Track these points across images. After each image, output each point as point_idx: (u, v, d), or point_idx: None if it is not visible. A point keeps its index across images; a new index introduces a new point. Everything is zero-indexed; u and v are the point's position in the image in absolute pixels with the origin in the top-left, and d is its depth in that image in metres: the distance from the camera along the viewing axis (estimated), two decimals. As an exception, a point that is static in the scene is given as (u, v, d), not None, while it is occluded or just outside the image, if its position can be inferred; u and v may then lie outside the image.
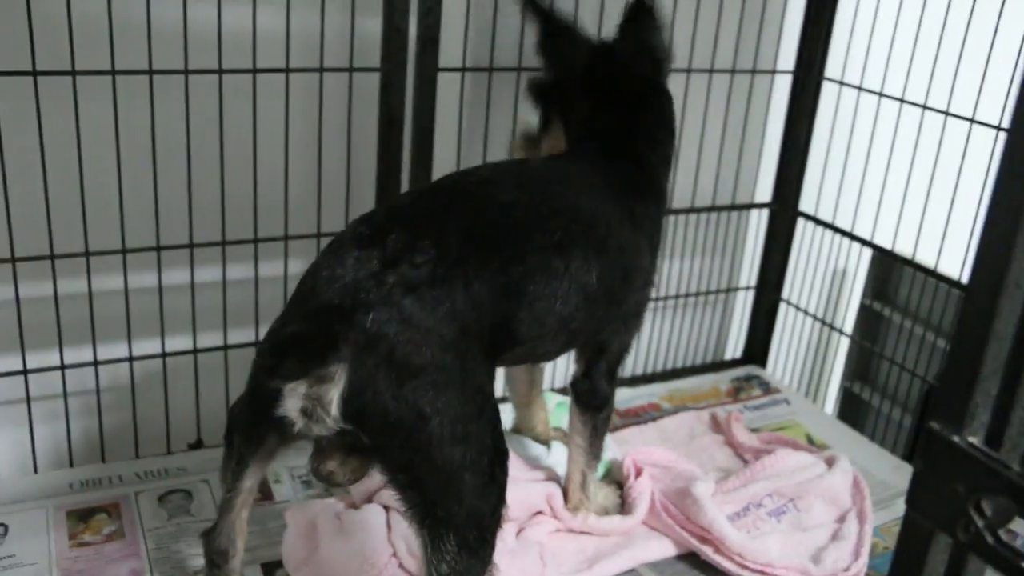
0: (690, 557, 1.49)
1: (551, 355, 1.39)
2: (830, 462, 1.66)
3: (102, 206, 1.45)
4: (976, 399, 0.66)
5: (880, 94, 1.85)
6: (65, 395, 1.53)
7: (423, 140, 1.59)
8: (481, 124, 1.69)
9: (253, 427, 1.15)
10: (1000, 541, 0.65)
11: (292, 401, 1.02)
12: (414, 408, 1.01)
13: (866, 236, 1.93)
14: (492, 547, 1.11)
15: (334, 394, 1.00)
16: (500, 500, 1.10)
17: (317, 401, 1.01)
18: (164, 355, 1.56)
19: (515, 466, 1.38)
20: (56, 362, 1.50)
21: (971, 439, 0.67)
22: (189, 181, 1.48)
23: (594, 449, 1.49)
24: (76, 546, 1.38)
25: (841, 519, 1.56)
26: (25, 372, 1.48)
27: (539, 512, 1.51)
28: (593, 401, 1.44)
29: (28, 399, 1.49)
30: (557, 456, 1.61)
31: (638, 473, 1.58)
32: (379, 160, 1.59)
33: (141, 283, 1.53)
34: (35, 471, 1.54)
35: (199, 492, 1.52)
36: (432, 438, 1.02)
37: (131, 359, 1.54)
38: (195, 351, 1.58)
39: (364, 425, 1.02)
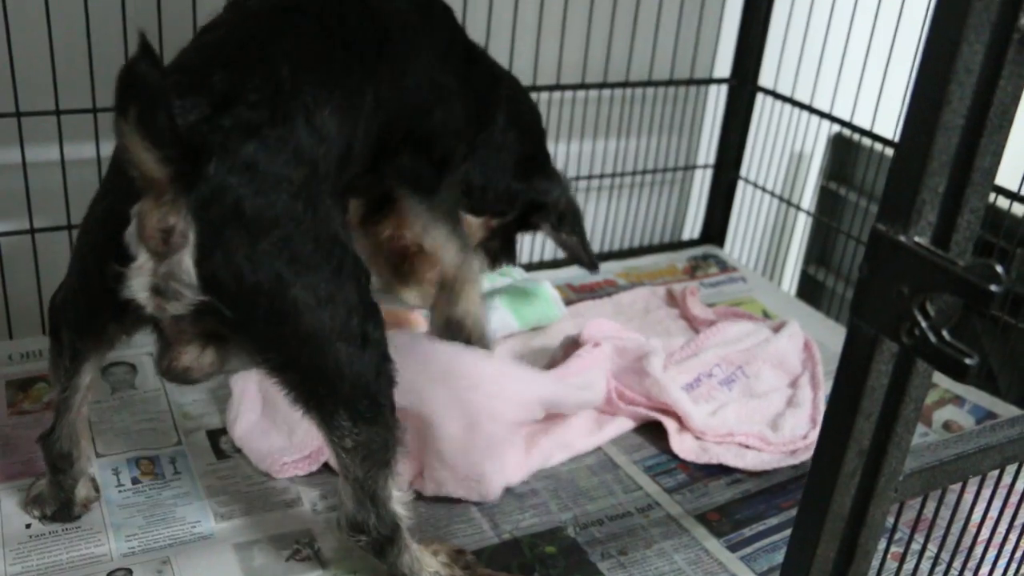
0: (643, 428, 1.49)
1: (360, 183, 1.25)
2: (777, 328, 1.66)
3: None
4: (923, 196, 0.63)
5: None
6: (1, 265, 1.48)
7: None
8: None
9: (88, 319, 1.04)
10: (944, 340, 0.63)
11: (139, 280, 0.91)
12: (271, 271, 0.91)
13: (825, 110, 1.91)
14: (389, 408, 1.03)
15: (187, 260, 0.89)
16: (382, 359, 1.02)
17: (169, 275, 0.90)
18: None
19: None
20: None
21: (917, 239, 0.65)
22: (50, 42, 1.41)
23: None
24: (15, 413, 1.35)
25: (793, 384, 1.56)
26: (-43, 240, 1.43)
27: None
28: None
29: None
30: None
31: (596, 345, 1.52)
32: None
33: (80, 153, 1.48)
34: (-28, 343, 1.51)
35: (143, 365, 1.49)
36: (297, 303, 0.93)
37: (69, 228, 1.49)
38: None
39: (221, 294, 0.91)
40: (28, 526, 1.17)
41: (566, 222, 1.56)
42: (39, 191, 1.46)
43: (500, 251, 1.58)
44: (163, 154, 0.84)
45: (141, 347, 1.52)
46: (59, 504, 1.18)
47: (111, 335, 1.05)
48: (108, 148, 1.45)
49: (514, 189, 1.49)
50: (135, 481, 1.26)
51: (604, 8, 1.84)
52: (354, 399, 0.99)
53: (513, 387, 1.30)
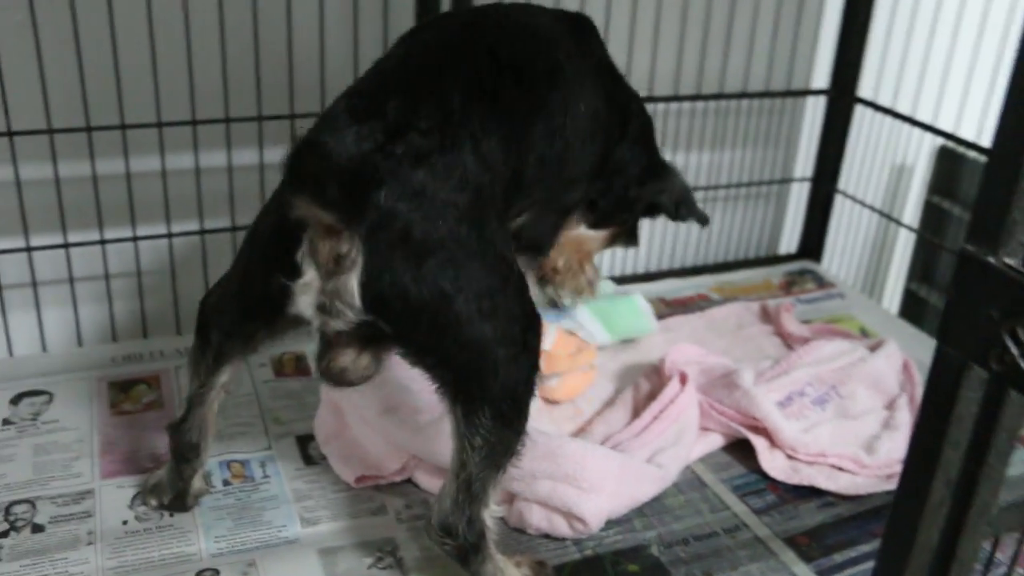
0: (732, 446, 1.46)
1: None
2: (874, 347, 1.60)
3: (136, 80, 1.44)
4: (1014, 215, 0.61)
5: (948, -31, 1.75)
6: (106, 271, 1.54)
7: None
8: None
9: (241, 323, 1.10)
10: (1036, 368, 0.60)
11: (306, 297, 0.96)
12: (436, 288, 0.95)
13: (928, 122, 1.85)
14: (526, 417, 1.07)
15: (353, 283, 0.93)
16: (534, 368, 1.06)
17: (335, 295, 0.95)
18: (203, 232, 1.56)
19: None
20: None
21: (1008, 260, 0.62)
22: (224, 54, 1.46)
23: None
24: (116, 414, 1.41)
25: (890, 406, 1.51)
26: (67, 246, 1.49)
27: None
28: None
29: (71, 273, 1.51)
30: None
31: (683, 381, 1.45)
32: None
33: (179, 163, 1.53)
34: (79, 344, 1.57)
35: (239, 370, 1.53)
36: (460, 317, 0.97)
37: (170, 235, 1.54)
38: (233, 229, 1.57)
39: (385, 313, 0.96)
40: (124, 523, 1.21)
41: (682, 210, 1.54)
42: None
43: (625, 242, 1.59)
44: (334, 213, 0.91)
45: (236, 353, 1.56)
46: (175, 493, 1.23)
47: (258, 340, 1.11)
48: (240, 156, 1.52)
49: (635, 198, 1.48)
50: (226, 483, 1.29)
51: (697, 18, 1.82)
52: (501, 400, 1.02)
53: (617, 489, 1.29)
